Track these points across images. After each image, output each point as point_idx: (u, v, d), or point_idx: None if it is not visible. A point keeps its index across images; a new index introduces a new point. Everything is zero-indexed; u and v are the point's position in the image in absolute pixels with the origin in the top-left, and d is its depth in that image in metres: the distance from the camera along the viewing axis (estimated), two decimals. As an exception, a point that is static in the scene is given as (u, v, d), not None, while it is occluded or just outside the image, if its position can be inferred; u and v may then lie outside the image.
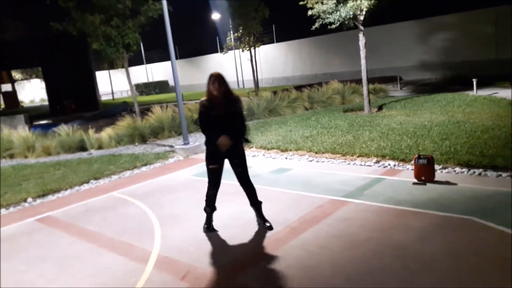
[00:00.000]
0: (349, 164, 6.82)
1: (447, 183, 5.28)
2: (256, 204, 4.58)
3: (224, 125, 4.19)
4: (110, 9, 12.12)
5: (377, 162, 6.64)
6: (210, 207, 4.56)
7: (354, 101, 14.87)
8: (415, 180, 5.42)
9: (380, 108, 12.35)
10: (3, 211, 6.14)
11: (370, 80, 16.66)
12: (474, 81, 13.52)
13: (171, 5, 10.17)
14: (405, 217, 4.34)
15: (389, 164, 6.44)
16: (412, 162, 5.65)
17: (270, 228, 4.44)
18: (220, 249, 4.14)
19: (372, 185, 5.54)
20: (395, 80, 19.97)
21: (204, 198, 4.56)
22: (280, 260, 3.72)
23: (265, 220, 4.53)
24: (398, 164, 6.38)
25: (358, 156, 7.06)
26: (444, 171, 5.80)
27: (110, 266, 3.94)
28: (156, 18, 12.65)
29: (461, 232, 3.87)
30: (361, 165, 6.66)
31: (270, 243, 4.10)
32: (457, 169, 5.78)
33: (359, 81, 14.02)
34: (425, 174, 5.33)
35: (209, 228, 4.56)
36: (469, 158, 5.94)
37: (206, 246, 4.23)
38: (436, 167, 5.87)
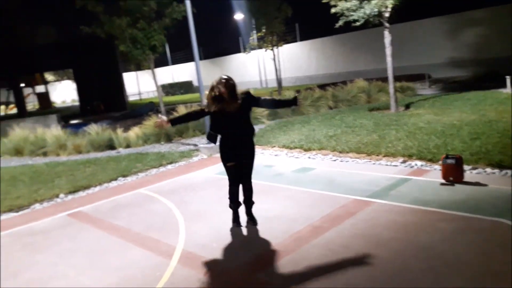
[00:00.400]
0: (374, 164, 6.74)
1: (477, 184, 5.15)
2: (249, 204, 4.66)
3: (233, 123, 4.25)
4: (136, 12, 12.41)
5: (404, 162, 6.54)
6: (234, 203, 4.65)
7: (380, 99, 14.66)
8: (443, 181, 5.32)
9: (407, 106, 12.14)
10: (38, 205, 6.39)
11: (397, 78, 16.39)
12: (508, 78, 13.08)
13: (195, 6, 10.32)
14: (431, 218, 4.27)
15: (416, 164, 6.33)
16: (440, 162, 5.55)
17: (255, 223, 4.61)
18: (242, 246, 4.19)
19: (398, 185, 5.46)
20: (423, 78, 19.57)
21: (227, 195, 4.63)
22: (302, 258, 3.74)
23: (252, 217, 4.66)
24: (426, 164, 6.27)
25: (383, 156, 6.97)
26: (474, 171, 5.66)
27: (137, 260, 4.06)
28: (181, 20, 12.86)
29: (489, 235, 3.78)
30: (386, 165, 6.58)
31: (292, 241, 4.12)
32: (488, 169, 5.63)
33: (385, 79, 13.82)
34: (453, 174, 5.22)
35: (237, 223, 4.66)
36: (501, 159, 5.76)
37: (228, 242, 4.29)
38: (466, 167, 5.74)
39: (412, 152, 6.75)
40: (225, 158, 4.43)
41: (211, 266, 3.79)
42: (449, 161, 5.20)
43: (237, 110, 4.21)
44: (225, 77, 4.20)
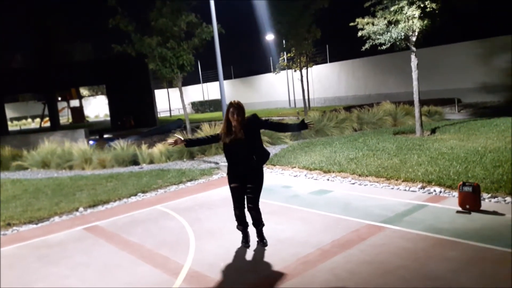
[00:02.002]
0: (392, 188, 6.63)
1: (494, 213, 4.97)
2: (258, 227, 4.67)
3: (243, 148, 4.38)
4: (166, 31, 12.81)
5: (423, 187, 6.40)
6: (241, 225, 4.69)
7: (406, 123, 14.42)
8: (459, 208, 5.16)
9: (433, 131, 11.88)
10: (57, 218, 6.59)
11: (426, 102, 16.15)
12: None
13: (227, 27, 10.59)
14: (443, 247, 4.15)
15: (435, 190, 6.18)
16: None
17: (265, 244, 4.63)
18: (249, 267, 4.19)
19: (413, 212, 5.34)
20: (453, 103, 19.15)
21: None
22: (306, 283, 3.70)
23: (262, 238, 4.68)
24: (444, 191, 6.11)
25: (403, 181, 6.84)
26: (493, 200, 5.47)
27: (144, 277, 4.12)
28: (210, 40, 13.19)
29: (501, 266, 3.64)
30: (405, 190, 6.45)
31: (299, 264, 4.08)
32: (508, 198, 5.43)
33: (413, 103, 13.62)
34: (470, 202, 5.07)
35: (246, 244, 4.68)
36: (523, 188, 5.56)
37: (236, 262, 4.30)
38: (485, 195, 5.57)
39: (432, 178, 6.60)
40: (229, 179, 4.57)
41: (215, 287, 3.80)
42: (466, 188, 5.05)
43: (243, 135, 4.34)
44: (235, 109, 4.35)
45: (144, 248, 4.95)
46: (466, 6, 11.23)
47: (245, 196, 4.54)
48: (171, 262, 4.42)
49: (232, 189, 4.56)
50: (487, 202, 5.40)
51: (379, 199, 6.08)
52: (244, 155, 4.42)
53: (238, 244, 4.72)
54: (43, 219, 6.54)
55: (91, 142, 14.20)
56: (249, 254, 4.51)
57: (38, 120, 47.76)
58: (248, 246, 4.65)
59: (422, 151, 8.78)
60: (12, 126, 44.90)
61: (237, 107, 4.35)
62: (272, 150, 11.23)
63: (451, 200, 5.62)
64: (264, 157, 4.57)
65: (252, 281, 3.84)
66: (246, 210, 4.61)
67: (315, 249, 4.43)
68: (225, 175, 8.87)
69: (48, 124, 39.58)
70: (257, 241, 4.71)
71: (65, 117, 50.23)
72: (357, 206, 5.81)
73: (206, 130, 12.05)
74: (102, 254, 4.89)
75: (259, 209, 4.57)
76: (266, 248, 4.59)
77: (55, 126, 29.97)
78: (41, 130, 31.18)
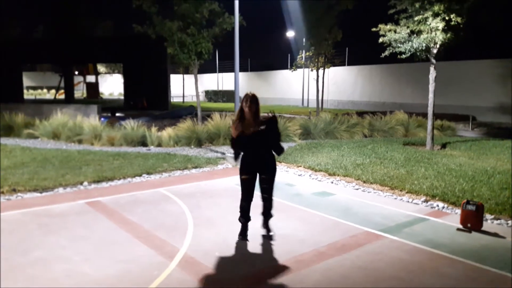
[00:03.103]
0: (395, 198, 6.60)
1: (495, 235, 4.93)
2: (267, 216, 4.77)
3: (253, 142, 4.45)
4: (188, 17, 12.81)
5: (426, 201, 6.37)
6: (244, 218, 4.73)
7: (418, 135, 14.30)
8: (461, 226, 5.13)
9: (443, 146, 11.78)
10: (61, 189, 6.69)
11: (439, 116, 15.98)
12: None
13: (249, 19, 10.53)
14: (439, 262, 4.14)
15: (438, 205, 6.14)
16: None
17: (271, 238, 4.70)
18: (244, 259, 4.21)
19: (413, 224, 5.33)
20: (467, 120, 18.94)
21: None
22: (298, 281, 3.72)
23: (269, 230, 4.78)
24: (448, 207, 6.07)
25: (407, 192, 6.81)
26: (496, 222, 5.43)
27: (139, 256, 4.17)
28: (230, 31, 13.16)
29: (495, 288, 3.62)
30: (408, 201, 6.43)
31: (294, 262, 4.10)
32: (511, 222, 5.38)
33: (427, 115, 13.50)
34: (472, 221, 5.03)
35: (243, 237, 4.72)
36: (527, 213, 5.50)
37: (231, 253, 4.33)
38: (488, 216, 5.53)
39: (437, 192, 6.55)
40: (242, 171, 4.61)
41: (208, 274, 3.84)
42: (470, 207, 5.01)
43: (260, 132, 4.41)
44: (249, 98, 4.42)
45: (142, 228, 5.01)
46: (491, 24, 11.08)
47: (261, 187, 4.64)
48: (168, 245, 4.47)
49: (242, 180, 4.63)
50: (490, 223, 5.35)
51: (381, 207, 6.07)
52: (254, 151, 4.51)
53: (235, 235, 4.75)
54: (47, 188, 6.63)
55: (102, 119, 14.33)
56: (245, 247, 4.53)
57: (53, 91, 48.28)
58: (245, 240, 4.68)
59: (430, 164, 8.72)
60: (28, 95, 45.44)
61: (251, 96, 4.44)
62: (280, 146, 11.22)
63: (453, 217, 5.58)
64: (279, 151, 4.64)
65: (245, 274, 3.87)
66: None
67: (311, 249, 4.44)
68: (230, 166, 8.91)
69: (62, 96, 39.99)
70: (262, 234, 4.76)
71: (80, 92, 50.67)
72: (357, 212, 5.81)
73: (216, 120, 12.08)
74: (100, 229, 4.96)
75: (272, 199, 4.68)
76: (262, 243, 4.61)
77: (69, 99, 30.29)
78: (55, 102, 31.52)
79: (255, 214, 4.83)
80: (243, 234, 4.73)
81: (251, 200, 4.65)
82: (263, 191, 4.66)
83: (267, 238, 4.71)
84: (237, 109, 9.57)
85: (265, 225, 4.80)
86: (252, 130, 4.41)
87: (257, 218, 5.01)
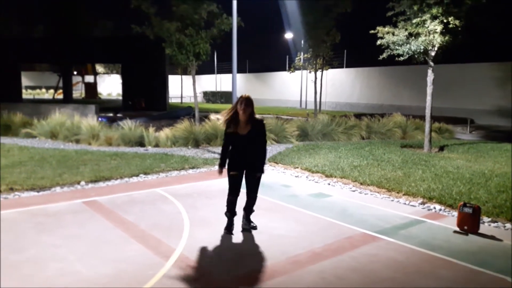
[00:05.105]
0: (392, 200, 6.60)
1: (492, 237, 4.93)
2: (249, 212, 4.99)
3: (244, 141, 4.67)
4: (187, 18, 12.80)
5: (423, 203, 6.36)
6: (230, 212, 4.90)
7: (415, 137, 14.31)
8: (457, 229, 5.13)
9: (441, 148, 11.80)
10: (58, 189, 6.67)
11: (437, 119, 15.97)
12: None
13: (247, 20, 10.53)
14: (435, 264, 4.13)
15: (435, 208, 6.14)
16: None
17: (255, 228, 4.95)
18: (239, 260, 4.20)
19: (410, 226, 5.32)
20: (466, 123, 18.97)
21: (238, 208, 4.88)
22: (292, 282, 3.71)
23: (250, 222, 5.01)
24: (444, 209, 6.07)
25: (404, 194, 6.81)
26: (493, 224, 5.42)
27: (134, 256, 4.16)
28: (228, 32, 13.16)
29: (491, 291, 3.62)
30: (405, 203, 6.42)
31: (288, 263, 4.09)
32: (508, 225, 5.38)
33: (424, 118, 13.52)
34: (468, 223, 5.03)
35: (229, 231, 4.87)
36: (524, 216, 5.50)
37: (227, 254, 4.32)
38: (485, 219, 5.53)
39: (434, 195, 6.56)
40: (230, 167, 4.77)
41: (203, 274, 3.83)
42: (466, 209, 5.01)
43: (248, 132, 4.63)
44: (244, 100, 4.61)
45: (138, 228, 4.99)
46: (489, 27, 11.10)
47: (246, 184, 4.83)
48: (163, 245, 4.46)
49: (230, 176, 4.79)
50: (487, 226, 5.35)
51: (377, 209, 6.06)
52: (244, 150, 4.70)
53: (230, 236, 4.76)
54: (45, 188, 6.62)
55: (100, 119, 14.30)
56: (240, 247, 4.53)
57: (51, 91, 48.21)
58: (230, 233, 4.83)
59: (427, 167, 8.72)
60: (26, 95, 45.34)
61: (246, 99, 4.61)
62: (277, 148, 11.23)
63: (450, 220, 5.58)
64: (262, 160, 4.83)
65: (239, 274, 3.87)
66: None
67: (305, 250, 4.44)
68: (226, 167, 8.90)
69: (61, 96, 39.91)
70: (244, 228, 4.95)
71: (78, 92, 50.61)
72: (353, 214, 5.80)
73: (214, 121, 12.08)
74: (96, 228, 4.94)
75: (256, 197, 4.89)
76: (257, 243, 4.61)
77: (68, 99, 30.19)
78: (53, 102, 31.45)
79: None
80: (229, 229, 4.88)
81: (237, 195, 4.84)
82: (250, 187, 4.84)
83: (252, 229, 4.93)
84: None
85: (247, 219, 5.01)
86: (246, 131, 4.61)
87: (252, 217, 5.03)
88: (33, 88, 57.30)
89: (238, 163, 4.74)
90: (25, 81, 46.05)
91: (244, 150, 4.71)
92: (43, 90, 57.37)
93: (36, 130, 12.38)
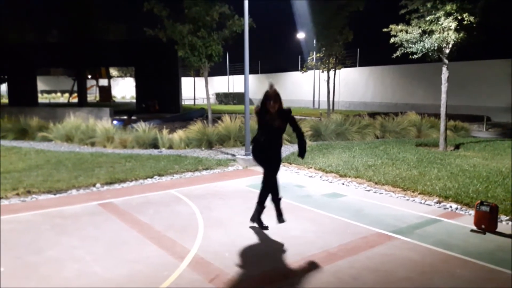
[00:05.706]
0: (408, 200, 6.53)
1: (510, 236, 4.84)
2: (276, 201, 5.05)
3: (273, 132, 4.90)
4: (199, 20, 12.88)
5: (439, 202, 6.29)
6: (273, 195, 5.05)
7: (430, 135, 14.14)
8: (474, 228, 5.06)
9: (457, 147, 11.64)
10: (74, 191, 6.77)
11: (453, 117, 15.77)
12: None
13: (259, 21, 10.51)
14: (452, 264, 4.08)
15: (451, 207, 6.06)
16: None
17: (282, 221, 4.99)
18: (254, 260, 4.20)
19: (426, 225, 5.26)
20: (482, 120, 18.67)
21: (252, 208, 5.02)
22: (307, 282, 3.70)
23: (281, 214, 5.01)
24: (461, 208, 5.98)
25: (419, 193, 6.73)
26: (510, 223, 5.33)
27: (150, 257, 4.20)
28: (240, 33, 13.18)
29: (510, 290, 3.56)
30: (420, 203, 6.35)
31: (303, 264, 4.08)
32: (527, 223, 5.29)
33: (440, 116, 13.33)
34: (486, 222, 4.95)
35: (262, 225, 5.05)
36: (543, 214, 5.39)
37: (241, 254, 4.33)
38: (503, 217, 5.44)
39: (450, 193, 6.47)
40: (254, 152, 5.04)
41: (218, 275, 3.84)
42: (484, 208, 4.93)
43: (278, 125, 4.88)
44: (273, 99, 4.81)
45: (153, 229, 5.04)
46: (504, 23, 10.92)
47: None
48: (178, 246, 4.49)
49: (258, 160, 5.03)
50: (504, 224, 5.26)
51: (393, 209, 6.01)
52: (270, 141, 4.88)
53: (245, 236, 4.77)
54: (61, 190, 6.72)
55: (115, 122, 14.45)
56: (254, 248, 4.53)
57: (66, 95, 48.89)
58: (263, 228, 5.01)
59: (443, 165, 8.61)
60: (42, 99, 46.15)
61: (274, 96, 4.81)
62: (290, 148, 11.21)
63: (467, 218, 5.50)
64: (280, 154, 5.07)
65: (255, 274, 3.87)
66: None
67: (321, 250, 4.42)
68: (240, 167, 8.92)
69: (76, 100, 40.46)
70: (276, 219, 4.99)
71: (92, 95, 51.25)
72: (369, 213, 5.76)
73: (227, 122, 12.11)
74: (112, 230, 5.00)
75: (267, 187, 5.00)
76: (272, 244, 4.61)
77: (82, 103, 30.61)
78: (68, 105, 31.93)
79: (271, 215, 4.82)
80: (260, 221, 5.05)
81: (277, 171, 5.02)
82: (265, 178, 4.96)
83: (280, 222, 5.01)
84: (247, 112, 9.59)
85: (277, 208, 5.04)
86: (277, 124, 4.81)
87: (268, 219, 5.03)
88: (48, 92, 58.30)
89: (262, 149, 4.89)
90: (40, 85, 46.88)
91: (268, 143, 4.86)
92: (58, 94, 58.29)
93: (52, 133, 12.57)
